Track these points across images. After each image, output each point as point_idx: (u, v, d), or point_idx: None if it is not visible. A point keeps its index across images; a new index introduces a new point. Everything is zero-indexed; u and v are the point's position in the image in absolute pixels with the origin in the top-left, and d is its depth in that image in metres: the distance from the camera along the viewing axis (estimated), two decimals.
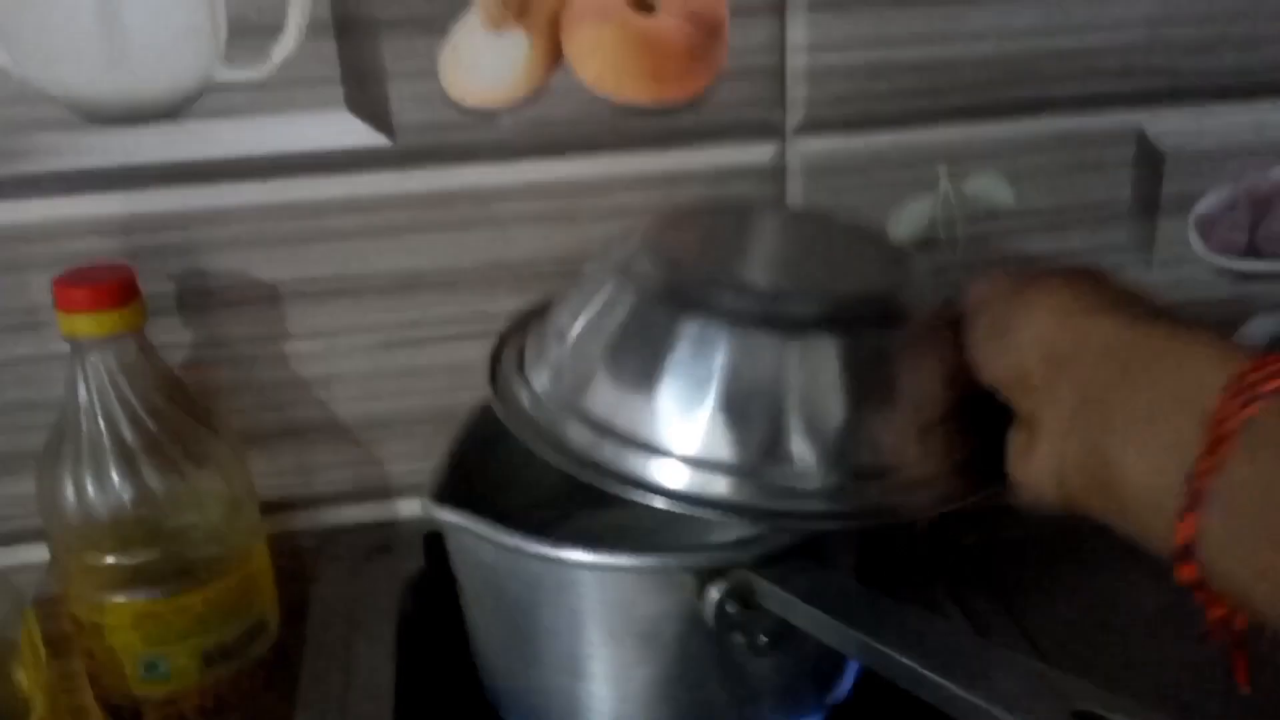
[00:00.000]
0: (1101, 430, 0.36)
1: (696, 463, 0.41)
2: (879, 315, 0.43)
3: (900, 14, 0.59)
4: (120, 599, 0.54)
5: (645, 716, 0.45)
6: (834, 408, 0.41)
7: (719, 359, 0.41)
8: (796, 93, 0.60)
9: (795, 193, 0.62)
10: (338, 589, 0.61)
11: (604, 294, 0.45)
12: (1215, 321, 0.69)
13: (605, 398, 0.43)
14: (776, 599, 0.40)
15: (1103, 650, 0.55)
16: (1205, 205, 0.66)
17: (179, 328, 0.60)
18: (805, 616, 0.38)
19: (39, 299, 0.55)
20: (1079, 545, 0.60)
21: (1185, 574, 0.32)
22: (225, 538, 0.57)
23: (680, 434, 0.41)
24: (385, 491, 0.65)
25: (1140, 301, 0.39)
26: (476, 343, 0.61)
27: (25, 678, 0.53)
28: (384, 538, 0.64)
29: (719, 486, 0.41)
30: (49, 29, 0.54)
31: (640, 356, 0.42)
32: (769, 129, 0.61)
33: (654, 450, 0.42)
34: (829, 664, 0.48)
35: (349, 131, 0.57)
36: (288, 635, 0.61)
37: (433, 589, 0.59)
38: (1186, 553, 0.32)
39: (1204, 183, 0.65)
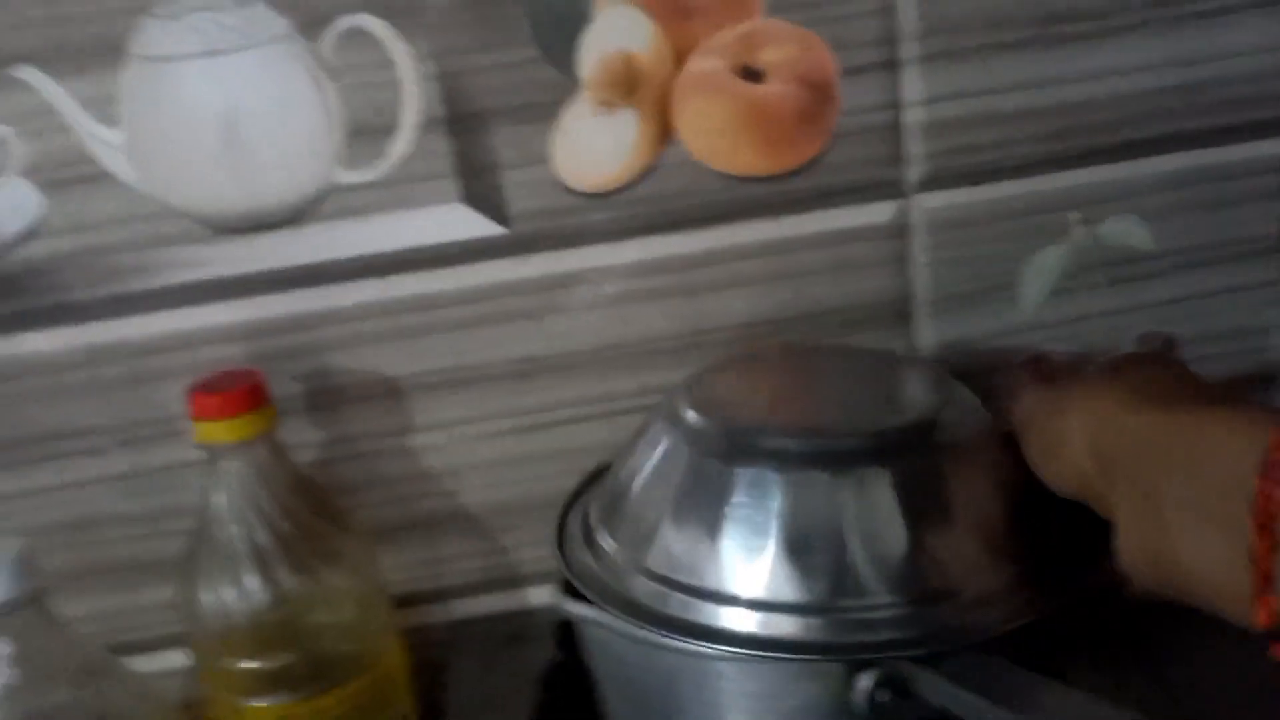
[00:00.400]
0: (1157, 525, 0.36)
1: (763, 605, 0.41)
2: (925, 441, 0.44)
3: (1015, 59, 0.57)
4: (259, 703, 0.54)
5: None
6: (892, 536, 0.42)
7: (775, 503, 0.42)
8: (914, 147, 0.58)
9: (919, 250, 0.59)
10: (472, 682, 0.60)
11: (659, 450, 0.47)
12: None
13: (669, 551, 0.44)
14: (933, 687, 0.38)
15: None
16: None
17: (307, 427, 0.60)
18: (967, 705, 0.36)
19: (174, 409, 0.56)
20: None
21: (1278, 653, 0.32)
22: (359, 635, 0.56)
23: (745, 579, 0.42)
24: (515, 580, 0.64)
25: (1186, 386, 0.40)
26: (597, 424, 0.61)
27: None
28: (516, 627, 0.63)
29: (787, 626, 0.41)
30: (174, 146, 0.56)
31: (699, 509, 0.44)
32: (887, 187, 0.59)
33: (720, 598, 0.42)
34: None
35: (465, 223, 0.58)
36: None
37: (567, 678, 0.58)
38: (1273, 634, 0.32)
39: None
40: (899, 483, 0.42)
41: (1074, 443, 0.40)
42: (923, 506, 0.42)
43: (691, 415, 0.46)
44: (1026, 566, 0.44)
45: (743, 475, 0.43)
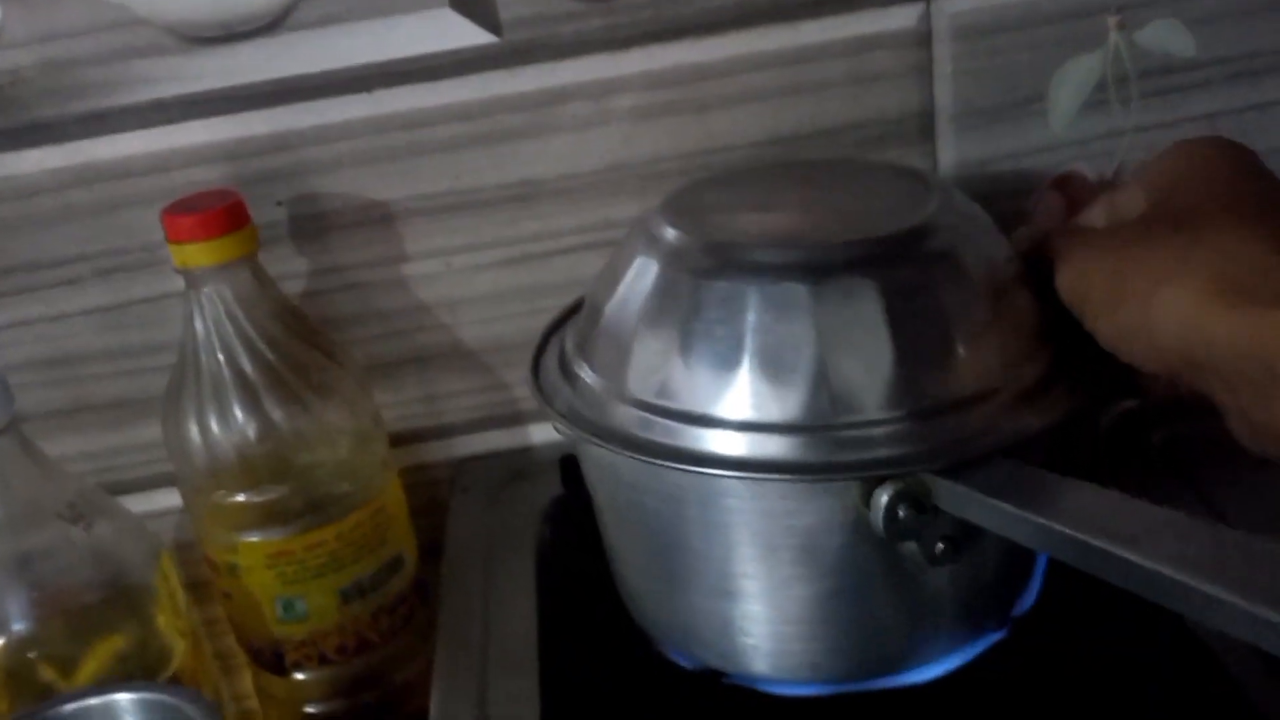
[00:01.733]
0: (1274, 431, 0.32)
1: (748, 426, 0.38)
2: (916, 249, 0.40)
3: None
4: (253, 538, 0.53)
5: (806, 638, 0.41)
6: (880, 349, 0.38)
7: (750, 317, 0.38)
8: None
9: (944, 59, 0.55)
10: (473, 521, 0.58)
11: (633, 269, 0.42)
12: None
13: (647, 376, 0.40)
14: (956, 497, 0.35)
15: None
16: None
17: (294, 256, 0.57)
18: (996, 514, 0.33)
19: (152, 236, 0.53)
20: None
21: None
22: (355, 472, 0.54)
23: (727, 400, 0.38)
24: (517, 417, 0.61)
25: (1272, 258, 0.33)
26: (600, 253, 0.57)
27: (165, 623, 0.52)
28: (518, 465, 0.61)
29: (776, 447, 0.37)
30: None
31: (671, 327, 0.40)
32: None
33: (705, 421, 0.38)
34: (1013, 571, 0.43)
35: (454, 31, 0.53)
36: (426, 570, 0.58)
37: (571, 515, 0.56)
38: None
39: None
40: (886, 292, 0.38)
41: (1154, 343, 0.35)
42: (913, 317, 0.38)
43: (665, 230, 0.42)
44: (1037, 379, 0.40)
45: (717, 289, 0.39)
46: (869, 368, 0.37)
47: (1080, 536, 0.29)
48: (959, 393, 0.38)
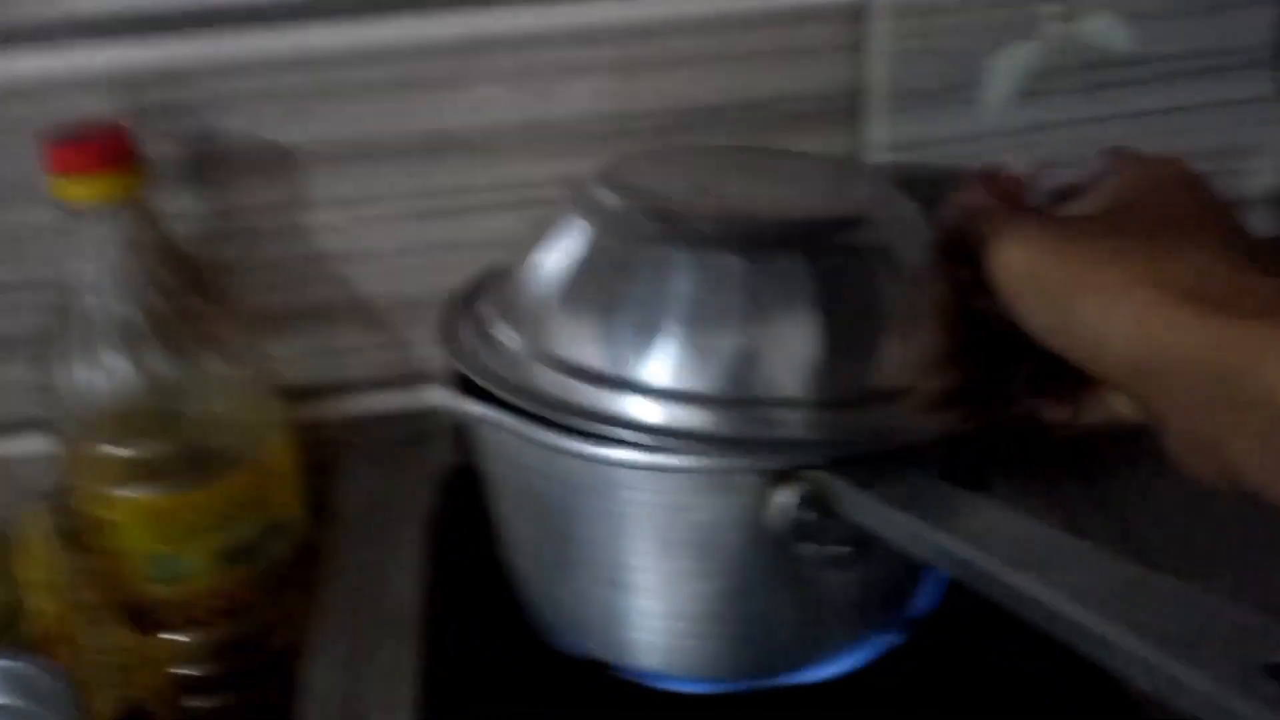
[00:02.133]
0: (1221, 448, 0.30)
1: (670, 395, 0.36)
2: (853, 237, 0.39)
3: None
4: (129, 493, 0.50)
5: (698, 635, 0.39)
6: (809, 332, 0.37)
7: (681, 286, 0.37)
8: None
9: (878, 37, 0.53)
10: (366, 484, 0.56)
11: (566, 234, 0.41)
12: None
13: (571, 338, 0.38)
14: (857, 504, 0.34)
15: (1216, 556, 0.48)
16: None
17: (187, 197, 0.54)
18: (895, 525, 0.32)
19: (28, 168, 0.49)
20: None
21: None
22: (240, 427, 0.52)
23: (650, 366, 0.37)
24: (416, 378, 0.59)
25: (1230, 269, 0.32)
26: (511, 213, 0.55)
27: (28, 575, 0.49)
28: (416, 428, 0.58)
29: (694, 419, 0.36)
30: None
31: (603, 291, 0.38)
32: None
33: (624, 385, 0.37)
34: (913, 576, 0.42)
35: None
36: (315, 534, 0.56)
37: (467, 484, 0.54)
38: None
39: None
40: (820, 275, 0.37)
41: (1105, 344, 0.33)
42: (845, 303, 0.37)
43: (603, 195, 0.40)
44: (957, 378, 0.39)
45: (650, 255, 0.38)
46: (793, 348, 0.36)
47: (978, 559, 0.28)
48: (878, 386, 0.37)
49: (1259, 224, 0.60)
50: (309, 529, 0.56)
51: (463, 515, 0.52)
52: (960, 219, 0.40)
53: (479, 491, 0.47)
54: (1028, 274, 0.35)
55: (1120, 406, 0.40)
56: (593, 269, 0.39)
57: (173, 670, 0.54)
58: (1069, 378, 0.39)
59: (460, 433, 0.54)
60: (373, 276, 0.56)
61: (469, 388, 0.39)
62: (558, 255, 0.40)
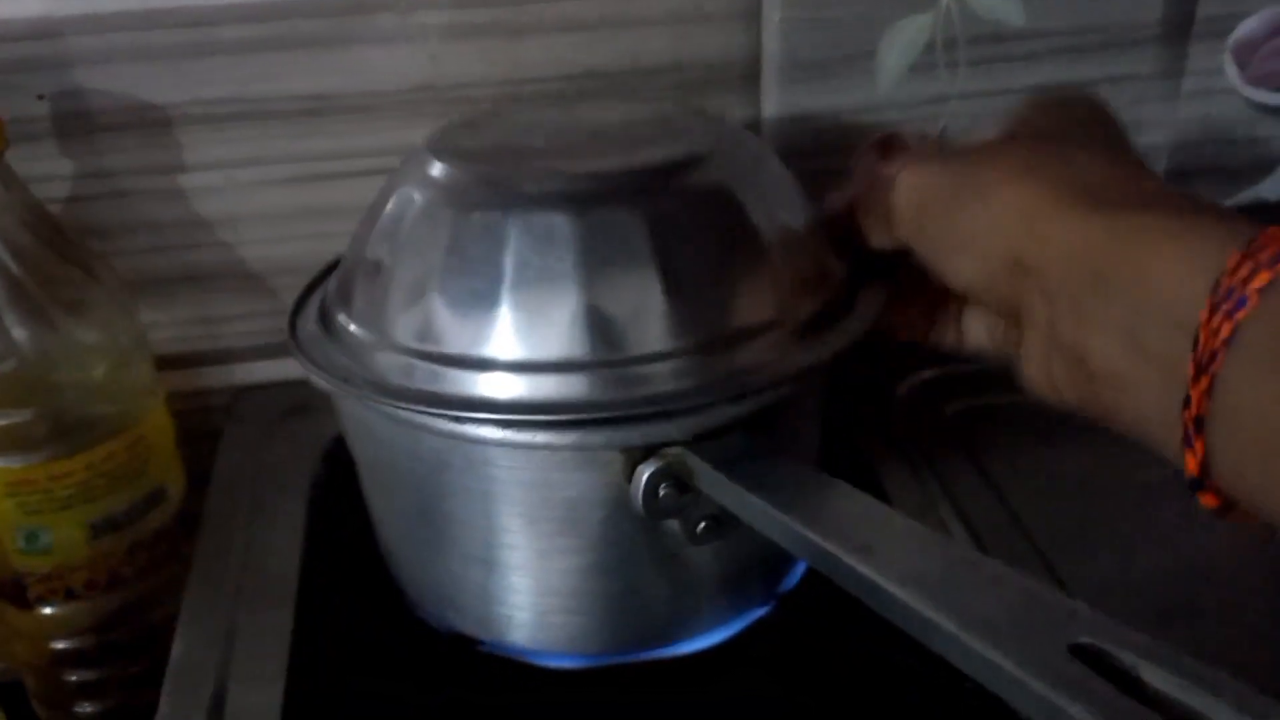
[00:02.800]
0: (1082, 351, 0.31)
1: (514, 366, 0.35)
2: (679, 181, 0.38)
3: None
4: None
5: (567, 610, 0.39)
6: (643, 283, 0.35)
7: (510, 250, 0.36)
8: None
9: (774, 6, 0.53)
10: (246, 453, 0.54)
11: (390, 208, 0.40)
12: (1246, 164, 0.61)
13: (408, 317, 0.37)
14: (714, 483, 0.34)
15: (1091, 525, 0.49)
16: (1245, 29, 0.57)
17: (55, 157, 0.52)
18: (747, 506, 0.32)
19: None
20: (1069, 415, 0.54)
21: (1206, 503, 0.28)
22: (112, 397, 0.50)
23: (491, 340, 0.36)
24: None
25: (1118, 173, 0.33)
26: None
27: None
28: (301, 397, 0.57)
29: (552, 388, 0.35)
30: None
31: (430, 264, 0.37)
32: None
33: (468, 363, 0.36)
34: (779, 549, 0.42)
35: None
36: (195, 504, 0.55)
37: (350, 455, 0.53)
38: (1201, 483, 0.27)
39: (1245, 3, 0.57)
40: (652, 223, 0.35)
41: (988, 240, 0.34)
42: (682, 248, 0.36)
43: (428, 163, 0.39)
44: (815, 308, 0.38)
45: (476, 222, 0.36)
46: (633, 302, 0.35)
47: (818, 541, 0.28)
48: (733, 326, 0.36)
49: None
50: (188, 499, 0.55)
51: (344, 486, 0.51)
52: (858, 184, 0.40)
53: None
54: (916, 199, 0.36)
55: (974, 333, 0.40)
56: (425, 243, 0.37)
57: (52, 644, 0.53)
58: (925, 300, 0.39)
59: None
60: (252, 242, 0.55)
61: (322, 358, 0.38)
62: (387, 230, 0.39)
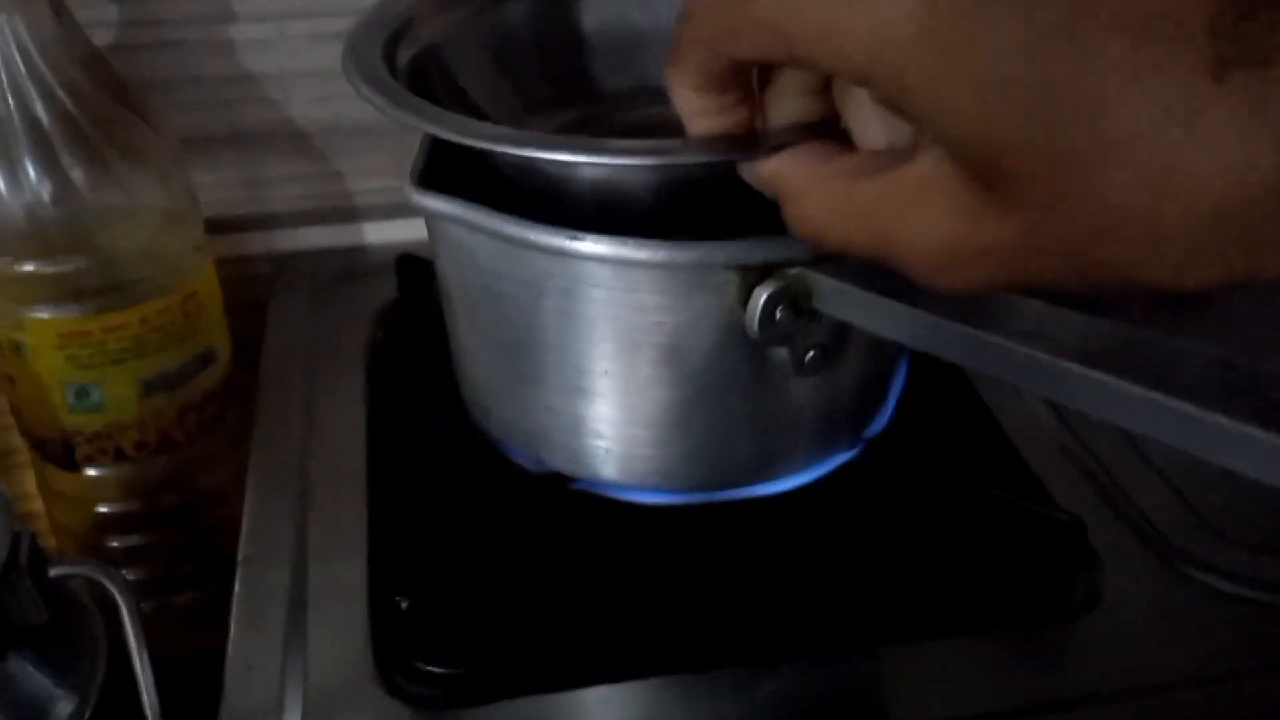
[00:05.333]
0: (1040, 74, 0.20)
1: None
2: None
3: None
4: (43, 314, 0.47)
5: (659, 443, 0.38)
6: None
7: None
8: None
9: None
10: (297, 322, 0.53)
11: None
12: None
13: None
14: (840, 298, 0.33)
15: None
16: None
17: (102, 3, 0.50)
18: (877, 310, 0.31)
19: None
20: None
21: None
22: (163, 253, 0.49)
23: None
24: (351, 213, 0.57)
25: None
26: None
27: None
28: (349, 264, 0.56)
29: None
30: None
31: None
32: None
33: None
34: (872, 390, 0.42)
35: None
36: (241, 371, 0.54)
37: (407, 321, 0.52)
38: None
39: None
40: None
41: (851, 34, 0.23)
42: None
43: None
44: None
45: None
46: None
47: (977, 332, 0.27)
48: None
49: None
50: (237, 368, 0.53)
51: (405, 350, 0.50)
52: None
53: (420, 325, 0.45)
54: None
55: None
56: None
57: (96, 509, 0.52)
58: None
59: (400, 265, 0.52)
60: (303, 100, 0.53)
61: (429, 181, 0.37)
62: None
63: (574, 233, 0.34)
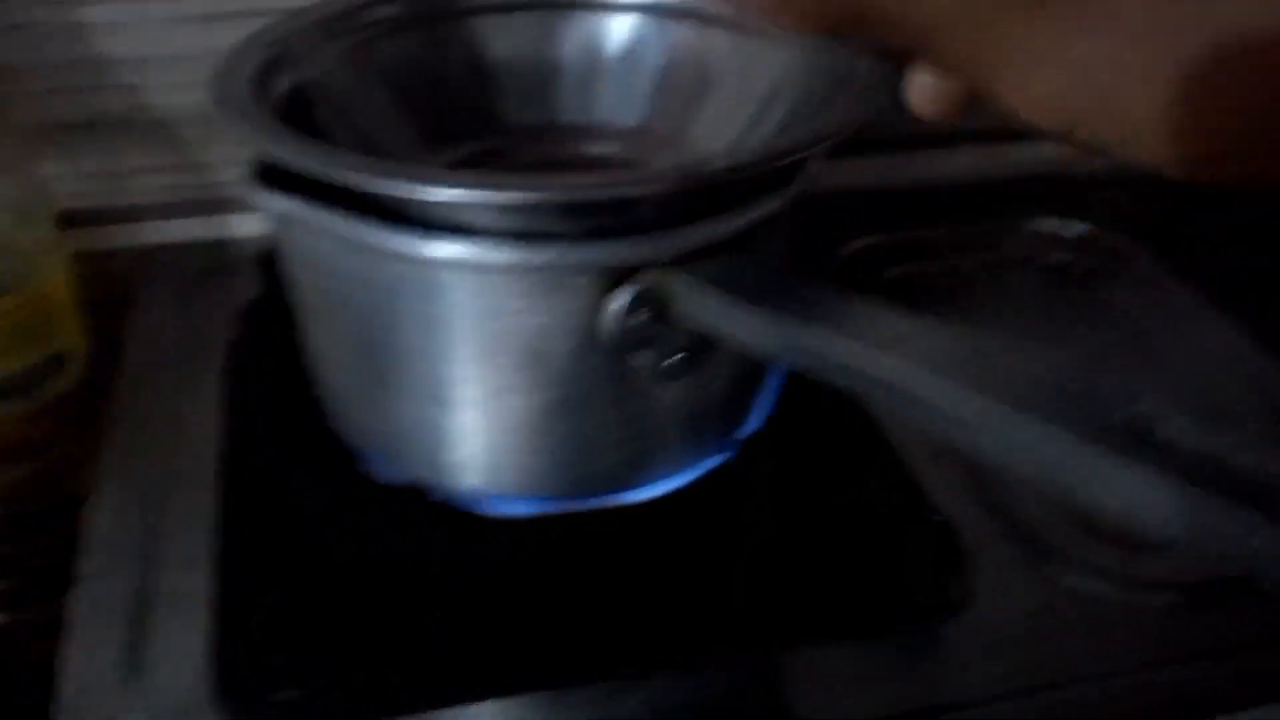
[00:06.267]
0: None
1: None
2: None
3: None
4: None
5: (523, 451, 0.37)
6: None
7: None
8: None
9: None
10: (159, 317, 0.51)
11: None
12: None
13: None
14: (698, 301, 0.32)
15: None
16: None
17: None
18: (735, 318, 0.30)
19: None
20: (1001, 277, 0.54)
21: None
22: (10, 251, 0.46)
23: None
24: (216, 204, 0.54)
25: None
26: None
27: None
28: (214, 258, 0.54)
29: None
30: None
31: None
32: None
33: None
34: (742, 392, 0.41)
35: None
36: (100, 373, 0.51)
37: (271, 317, 0.50)
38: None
39: None
40: None
41: None
42: None
43: None
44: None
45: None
46: None
47: (832, 347, 0.26)
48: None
49: None
50: (97, 367, 0.51)
51: (267, 349, 0.48)
52: None
53: (282, 324, 0.43)
54: None
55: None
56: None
57: None
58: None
59: (266, 261, 0.50)
60: (164, 87, 0.51)
61: (272, 181, 0.35)
62: None
63: (425, 235, 0.33)
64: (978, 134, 0.62)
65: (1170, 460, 0.20)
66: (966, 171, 0.62)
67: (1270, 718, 0.37)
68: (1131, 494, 0.20)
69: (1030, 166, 0.63)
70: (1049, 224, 0.58)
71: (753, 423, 0.42)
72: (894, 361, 0.24)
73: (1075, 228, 0.58)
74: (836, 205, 0.60)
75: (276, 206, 0.35)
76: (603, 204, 0.31)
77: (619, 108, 0.46)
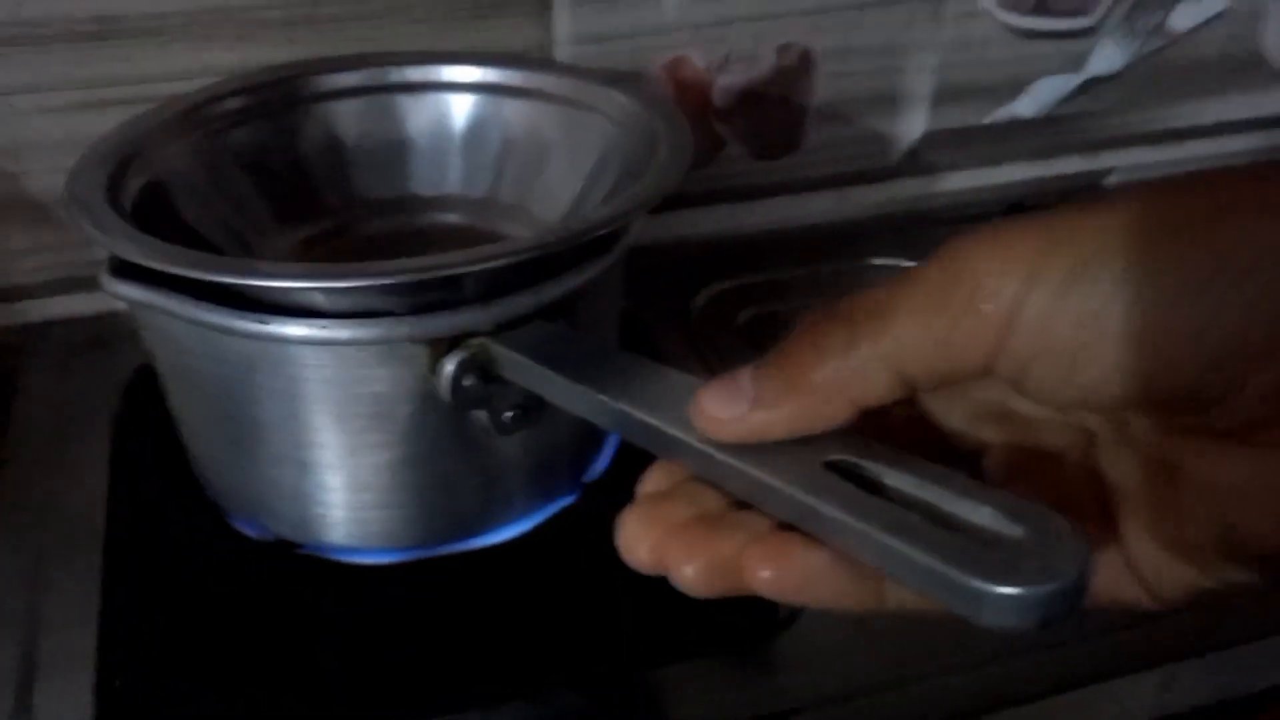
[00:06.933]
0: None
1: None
2: None
3: None
4: None
5: (380, 506, 0.40)
6: None
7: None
8: None
9: None
10: (45, 392, 0.53)
11: None
12: (1003, 83, 0.66)
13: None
14: (517, 366, 0.35)
15: None
16: None
17: None
18: (549, 383, 0.34)
19: None
20: None
21: None
22: None
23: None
24: (95, 281, 0.56)
25: None
26: None
27: None
28: (96, 332, 0.56)
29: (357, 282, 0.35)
30: None
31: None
32: None
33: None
34: (584, 437, 0.44)
35: None
36: None
37: (151, 385, 0.52)
38: None
39: None
40: None
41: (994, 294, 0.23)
42: None
43: None
44: None
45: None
46: None
47: (633, 412, 0.29)
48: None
49: (916, 122, 0.65)
50: None
51: (147, 418, 0.51)
52: None
53: (161, 395, 0.45)
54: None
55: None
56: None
57: None
58: None
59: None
60: (37, 172, 0.53)
61: (124, 271, 0.38)
62: None
63: (262, 317, 0.36)
64: (830, 179, 0.66)
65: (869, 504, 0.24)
66: (816, 215, 0.66)
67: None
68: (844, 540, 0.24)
69: (877, 208, 0.67)
70: (896, 263, 0.62)
71: (598, 466, 0.45)
72: (686, 430, 0.27)
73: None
74: (690, 252, 0.64)
75: (132, 295, 0.37)
76: (418, 284, 0.35)
77: (468, 180, 0.49)
